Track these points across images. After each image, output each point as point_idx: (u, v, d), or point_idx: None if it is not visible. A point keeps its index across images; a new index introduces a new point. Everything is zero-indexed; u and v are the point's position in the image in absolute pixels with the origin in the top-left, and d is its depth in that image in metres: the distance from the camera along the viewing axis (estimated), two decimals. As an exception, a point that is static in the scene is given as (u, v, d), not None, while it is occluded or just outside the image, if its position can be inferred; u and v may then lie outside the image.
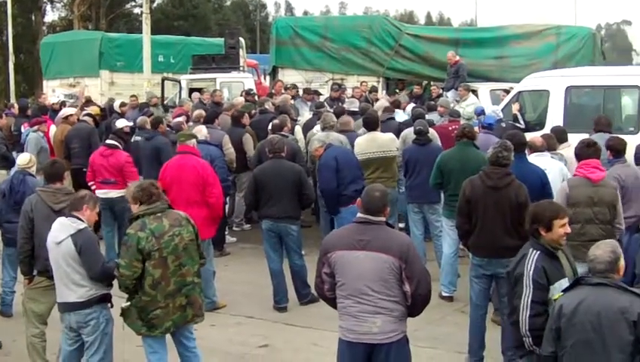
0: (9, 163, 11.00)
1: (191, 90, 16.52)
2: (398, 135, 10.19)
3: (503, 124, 10.95)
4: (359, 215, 4.89)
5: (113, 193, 9.79)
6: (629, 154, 7.88)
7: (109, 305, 5.87)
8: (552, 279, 4.81)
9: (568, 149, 8.34)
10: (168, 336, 5.88)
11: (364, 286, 4.72)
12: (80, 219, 5.78)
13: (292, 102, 14.04)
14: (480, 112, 12.12)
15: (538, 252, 4.89)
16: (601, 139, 8.54)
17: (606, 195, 6.71)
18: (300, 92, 15.63)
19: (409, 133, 9.92)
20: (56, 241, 5.72)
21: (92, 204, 5.93)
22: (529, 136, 8.49)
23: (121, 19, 48.23)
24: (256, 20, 61.20)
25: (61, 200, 6.56)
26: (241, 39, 20.05)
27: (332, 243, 4.91)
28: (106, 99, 19.12)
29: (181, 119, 11.90)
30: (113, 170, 9.87)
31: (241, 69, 18.63)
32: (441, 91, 15.26)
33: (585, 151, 7.00)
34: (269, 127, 10.71)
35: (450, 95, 14.88)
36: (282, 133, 10.19)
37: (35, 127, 12.45)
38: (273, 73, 18.69)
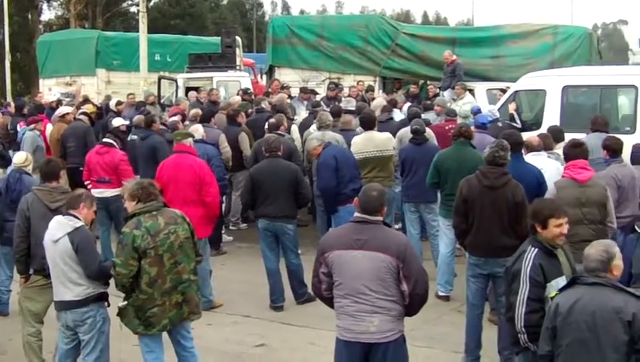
0: (5, 161, 10.96)
1: (187, 89, 16.47)
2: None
3: (500, 124, 10.93)
4: (356, 214, 4.87)
5: (108, 192, 9.78)
6: (626, 154, 7.89)
7: (106, 303, 5.87)
8: (549, 277, 4.82)
9: (565, 149, 8.35)
10: (165, 336, 5.87)
11: (361, 285, 4.71)
12: (77, 218, 5.78)
13: (288, 101, 14.03)
14: (476, 111, 12.10)
15: (536, 249, 4.91)
16: (597, 138, 8.58)
17: (594, 195, 6.61)
18: (293, 92, 15.61)
19: (405, 132, 9.90)
20: (53, 239, 5.72)
21: (89, 202, 5.94)
22: (526, 136, 8.49)
23: (117, 18, 48.21)
24: (252, 19, 61.28)
25: (57, 199, 6.56)
26: (238, 38, 20.04)
27: (329, 243, 4.91)
28: (102, 97, 19.11)
29: (177, 118, 11.90)
30: (108, 169, 9.86)
31: (238, 67, 18.57)
32: (437, 90, 15.22)
33: (572, 152, 6.90)
34: (266, 126, 10.70)
35: (446, 94, 14.86)
36: (279, 132, 10.18)
37: (32, 126, 12.46)
38: (270, 72, 18.65)
